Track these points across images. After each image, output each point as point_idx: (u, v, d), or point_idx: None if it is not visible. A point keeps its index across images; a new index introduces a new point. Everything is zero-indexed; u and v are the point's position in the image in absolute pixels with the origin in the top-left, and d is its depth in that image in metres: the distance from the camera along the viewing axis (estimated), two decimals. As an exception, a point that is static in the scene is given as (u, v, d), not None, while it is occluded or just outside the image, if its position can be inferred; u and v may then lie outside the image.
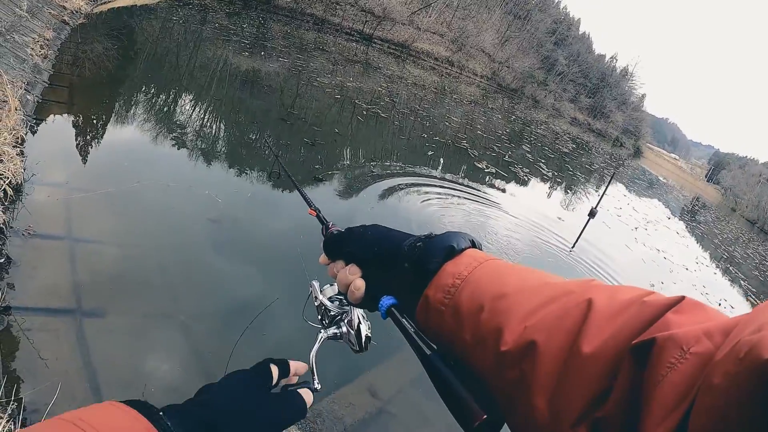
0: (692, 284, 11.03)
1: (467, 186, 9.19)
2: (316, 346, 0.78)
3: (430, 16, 28.60)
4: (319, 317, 0.82)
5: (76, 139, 4.78)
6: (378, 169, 7.72)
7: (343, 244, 0.73)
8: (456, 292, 0.56)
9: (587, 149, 24.08)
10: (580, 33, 46.76)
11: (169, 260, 3.72)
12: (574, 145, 22.62)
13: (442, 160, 10.07)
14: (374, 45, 21.59)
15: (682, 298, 0.44)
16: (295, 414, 0.66)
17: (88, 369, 2.65)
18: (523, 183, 11.89)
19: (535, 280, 0.54)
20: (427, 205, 7.20)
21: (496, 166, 11.46)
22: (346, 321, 0.78)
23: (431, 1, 28.74)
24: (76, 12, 9.11)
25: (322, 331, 0.79)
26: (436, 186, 8.29)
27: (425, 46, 26.03)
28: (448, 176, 9.11)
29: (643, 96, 57.52)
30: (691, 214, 25.24)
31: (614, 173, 15.66)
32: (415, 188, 7.99)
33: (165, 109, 6.64)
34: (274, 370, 0.70)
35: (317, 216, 0.98)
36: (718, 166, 60.78)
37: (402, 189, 7.27)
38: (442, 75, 21.59)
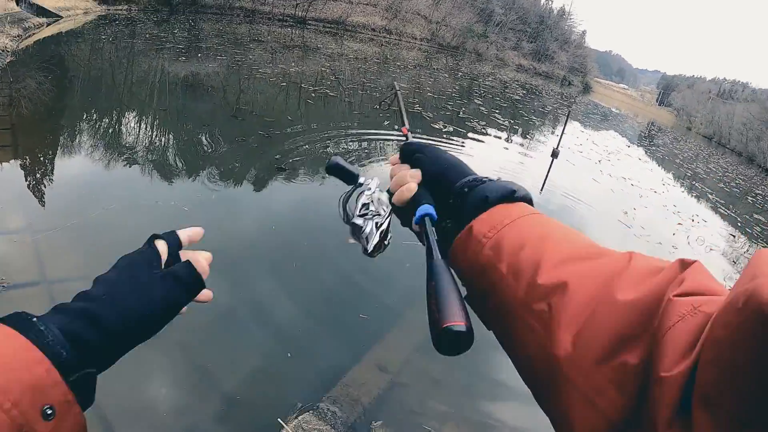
0: (663, 205, 11.40)
1: (432, 141, 9.26)
2: (340, 211, 0.81)
3: (359, -12, 28.31)
4: (351, 210, 0.82)
5: (26, 180, 4.67)
6: (337, 144, 7.82)
7: (418, 151, 0.75)
8: (502, 229, 0.58)
9: (538, 93, 24.37)
10: (511, -21, 46.98)
11: None
12: (524, 91, 22.88)
13: (397, 127, 10.09)
14: (309, 27, 21.34)
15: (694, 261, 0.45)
16: (182, 289, 0.63)
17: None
18: (482, 134, 12.01)
19: (579, 238, 0.56)
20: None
21: (452, 124, 11.57)
22: (374, 220, 0.78)
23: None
24: (2, 51, 8.83)
25: (354, 217, 0.80)
26: (401, 140, 8.38)
27: (360, 18, 25.78)
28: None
29: (584, 32, 58.05)
30: (649, 139, 25.86)
31: (569, 112, 15.91)
32: (380, 142, 8.11)
33: (111, 131, 6.53)
34: (161, 245, 0.68)
35: (406, 134, 0.99)
36: (667, 89, 61.91)
37: (368, 145, 7.38)
38: (382, 45, 21.47)
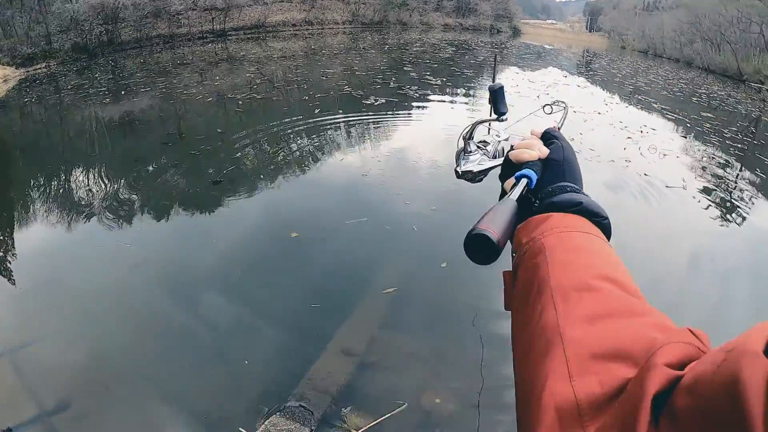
0: (609, 124, 11.80)
1: (367, 116, 9.52)
2: (467, 131, 0.89)
3: (272, -12, 28.12)
4: (476, 138, 0.90)
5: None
6: (275, 141, 7.97)
7: (558, 139, 0.82)
8: (576, 232, 0.63)
9: (468, 47, 24.57)
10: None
11: (119, 328, 3.83)
12: (453, 48, 23.06)
13: (332, 111, 10.26)
14: (230, 38, 21.23)
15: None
16: None
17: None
18: (419, 99, 12.17)
19: (627, 274, 0.59)
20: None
21: (385, 96, 11.72)
22: (482, 155, 0.86)
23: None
24: None
25: (470, 141, 0.88)
26: (340, 121, 8.62)
27: (279, 17, 25.67)
28: (342, 116, 9.44)
29: (500, -24, 58.32)
30: (586, 65, 26.25)
31: (496, 55, 16.19)
32: (327, 126, 8.33)
33: (61, 191, 6.59)
34: None
35: (562, 121, 1.07)
36: (594, 14, 62.17)
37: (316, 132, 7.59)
38: (306, 37, 21.44)
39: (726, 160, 10.28)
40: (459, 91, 13.98)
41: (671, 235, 6.12)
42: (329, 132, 9.11)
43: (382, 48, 20.07)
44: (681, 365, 0.38)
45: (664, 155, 9.71)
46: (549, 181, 0.75)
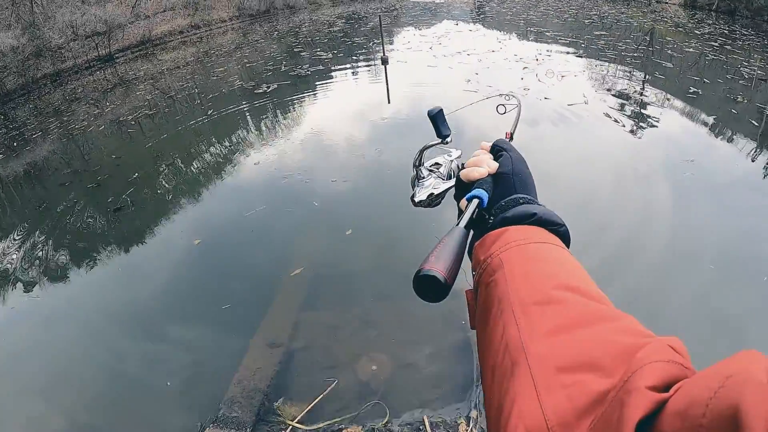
0: (503, 59, 12.17)
1: (260, 103, 9.59)
2: (416, 154, 0.92)
3: (150, 0, 27.26)
4: (427, 163, 0.92)
5: None
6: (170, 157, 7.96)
7: (506, 150, 0.83)
8: (534, 243, 0.64)
9: (358, 17, 24.54)
10: None
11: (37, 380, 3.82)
12: (343, 21, 23.05)
13: (224, 108, 10.25)
14: (118, 60, 20.58)
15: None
16: None
17: None
18: (312, 76, 12.33)
19: (590, 282, 0.59)
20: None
21: (276, 81, 11.76)
22: (436, 179, 0.87)
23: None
24: None
25: (422, 167, 0.89)
26: (232, 115, 8.79)
27: (164, 27, 24.96)
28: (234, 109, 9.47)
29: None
30: (477, 11, 26.48)
31: (380, 17, 16.31)
32: (219, 125, 8.40)
33: None
34: None
35: (507, 137, 1.07)
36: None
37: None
38: (196, 42, 20.98)
39: (626, 71, 10.81)
40: (351, 59, 14.22)
41: (590, 154, 6.46)
42: (221, 130, 9.19)
43: (271, 36, 19.92)
44: (665, 387, 0.37)
45: (562, 77, 10.12)
46: (501, 196, 0.75)
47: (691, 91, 9.01)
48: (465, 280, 0.70)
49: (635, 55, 12.06)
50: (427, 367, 3.31)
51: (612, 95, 8.88)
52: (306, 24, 23.31)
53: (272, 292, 4.24)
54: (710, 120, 7.56)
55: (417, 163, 0.89)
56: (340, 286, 4.29)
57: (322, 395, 3.14)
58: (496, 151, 0.84)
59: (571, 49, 13.16)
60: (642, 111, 8.05)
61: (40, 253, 5.80)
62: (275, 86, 11.36)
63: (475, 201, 0.75)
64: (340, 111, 9.33)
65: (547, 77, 10.01)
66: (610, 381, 0.41)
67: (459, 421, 2.85)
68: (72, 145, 10.24)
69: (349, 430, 2.93)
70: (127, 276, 5.02)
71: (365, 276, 4.40)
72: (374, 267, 4.52)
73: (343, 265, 4.59)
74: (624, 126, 7.35)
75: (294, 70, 12.79)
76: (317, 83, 11.73)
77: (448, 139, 0.94)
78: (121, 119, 10.96)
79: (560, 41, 14.44)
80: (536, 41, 14.84)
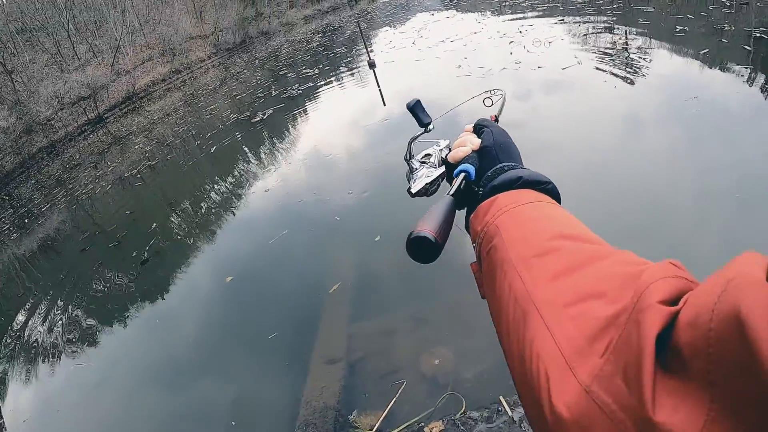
0: (487, 38, 12.12)
1: (260, 131, 9.60)
2: (407, 148, 0.92)
3: (128, 55, 27.52)
4: (417, 156, 0.91)
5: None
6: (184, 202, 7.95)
7: (486, 126, 0.85)
8: (524, 204, 0.65)
9: (333, 28, 24.65)
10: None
11: None
12: (320, 35, 23.12)
13: (226, 142, 10.26)
14: (108, 120, 20.73)
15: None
16: None
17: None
18: (304, 95, 12.30)
19: (584, 228, 0.60)
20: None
21: (270, 106, 11.80)
22: (428, 169, 0.87)
23: (116, 43, 27.58)
24: None
25: (413, 160, 0.90)
26: (236, 148, 8.64)
27: (146, 79, 25.17)
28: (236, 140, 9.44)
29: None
30: (450, -1, 26.57)
31: (358, 23, 16.35)
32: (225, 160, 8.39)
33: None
34: None
35: (496, 118, 1.06)
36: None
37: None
38: (180, 87, 21.12)
39: (609, 24, 10.71)
40: (337, 70, 14.20)
41: (595, 113, 6.38)
42: (225, 165, 9.19)
43: (253, 65, 20.02)
44: (674, 301, 0.38)
45: (550, 43, 10.04)
46: (486, 168, 0.78)
47: (677, 30, 8.88)
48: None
49: (615, 6, 11.94)
50: (489, 349, 3.25)
51: (602, 51, 8.79)
52: (284, 46, 23.38)
53: (315, 312, 4.17)
54: (703, 54, 7.47)
55: (407, 157, 0.91)
56: (382, 292, 4.25)
57: (394, 399, 3.09)
58: (479, 129, 0.87)
59: (551, 15, 13.10)
60: (635, 59, 7.97)
61: (78, 321, 5.75)
62: (270, 111, 11.35)
63: (462, 174, 0.78)
64: (339, 123, 9.29)
65: (535, 47, 9.95)
66: (616, 306, 0.42)
67: None
68: (81, 211, 10.24)
69: (429, 427, 2.87)
70: (166, 327, 5.00)
71: (405, 277, 4.32)
72: (411, 266, 4.41)
73: (380, 270, 4.52)
74: (623, 78, 7.26)
75: (285, 93, 12.77)
76: (310, 100, 11.70)
77: (431, 127, 0.97)
78: (124, 176, 10.96)
79: (538, 9, 14.34)
80: (514, 14, 14.75)
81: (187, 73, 25.30)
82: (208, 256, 6.00)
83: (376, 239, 4.90)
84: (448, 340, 3.44)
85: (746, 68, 6.53)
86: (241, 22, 31.31)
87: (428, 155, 0.90)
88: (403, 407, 3.04)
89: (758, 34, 7.61)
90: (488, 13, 16.46)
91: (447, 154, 0.87)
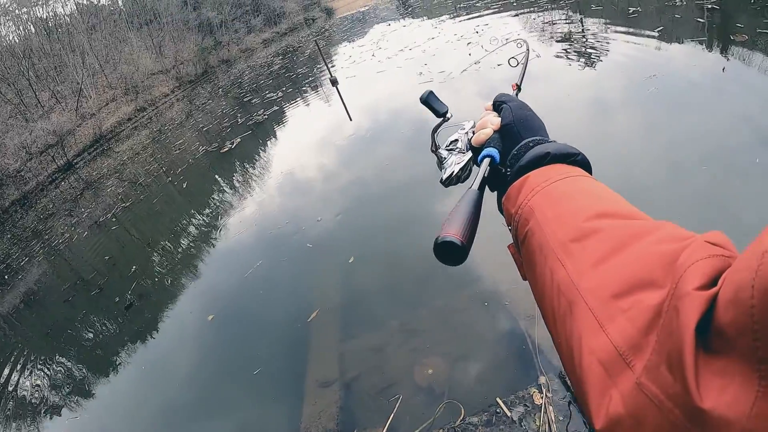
0: (445, 42, 12.30)
1: (230, 162, 9.59)
2: (431, 139, 0.91)
3: (91, 98, 27.32)
4: (443, 145, 0.89)
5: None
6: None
7: (505, 102, 0.82)
8: (556, 181, 0.63)
9: (293, 49, 24.74)
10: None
11: None
12: (280, 58, 23.19)
13: (198, 177, 10.25)
14: (78, 165, 20.53)
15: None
16: None
17: None
18: (271, 119, 12.40)
19: (621, 200, 0.59)
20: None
21: (238, 134, 11.81)
22: (457, 155, 0.85)
23: (79, 87, 27.37)
24: None
25: (441, 149, 0.88)
26: (208, 182, 8.61)
27: (112, 120, 25.00)
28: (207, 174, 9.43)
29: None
30: (403, 6, 26.76)
31: (315, 41, 16.45)
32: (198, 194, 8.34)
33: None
34: None
35: (514, 89, 1.07)
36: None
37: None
38: (147, 124, 21.01)
39: (563, 12, 10.87)
40: (301, 91, 14.35)
41: (556, 103, 6.48)
42: (200, 199, 9.19)
43: (217, 95, 20.03)
44: (713, 282, 0.37)
45: (506, 40, 10.21)
46: (511, 147, 0.76)
47: (630, 11, 9.13)
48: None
49: (568, -2, 12.21)
50: (481, 353, 3.32)
51: (558, 41, 8.97)
52: (246, 72, 23.51)
53: (301, 339, 4.17)
54: (658, 32, 7.66)
55: (434, 148, 0.90)
56: (366, 309, 4.26)
57: (392, 414, 3.10)
58: (498, 106, 0.84)
59: (505, 11, 13.30)
60: (593, 44, 8.15)
61: (68, 375, 5.71)
62: (238, 140, 11.39)
63: (486, 160, 0.76)
64: (307, 144, 9.37)
65: (492, 44, 10.09)
66: (662, 292, 0.41)
67: (531, 392, 2.85)
68: (61, 261, 10.16)
69: (431, 437, 2.86)
70: (156, 371, 4.96)
71: (386, 291, 4.37)
72: (390, 280, 4.50)
73: (360, 290, 4.56)
74: (583, 63, 7.44)
75: (251, 119, 12.83)
76: (277, 124, 11.80)
77: (449, 115, 0.95)
78: (100, 221, 10.90)
79: (492, 7, 14.60)
80: (469, 15, 15.02)
81: (153, 110, 25.16)
82: (190, 295, 6.01)
83: (350, 261, 4.94)
84: (438, 349, 3.48)
85: (701, 41, 6.73)
86: (201, 53, 31.31)
87: (455, 141, 0.88)
88: (402, 421, 3.06)
89: (710, 6, 7.82)
90: (444, 17, 16.69)
91: (472, 137, 0.85)
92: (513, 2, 14.05)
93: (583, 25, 9.40)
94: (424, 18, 18.61)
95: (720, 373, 0.33)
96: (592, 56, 7.63)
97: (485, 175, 0.75)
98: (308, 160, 8.44)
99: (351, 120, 9.38)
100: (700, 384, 0.33)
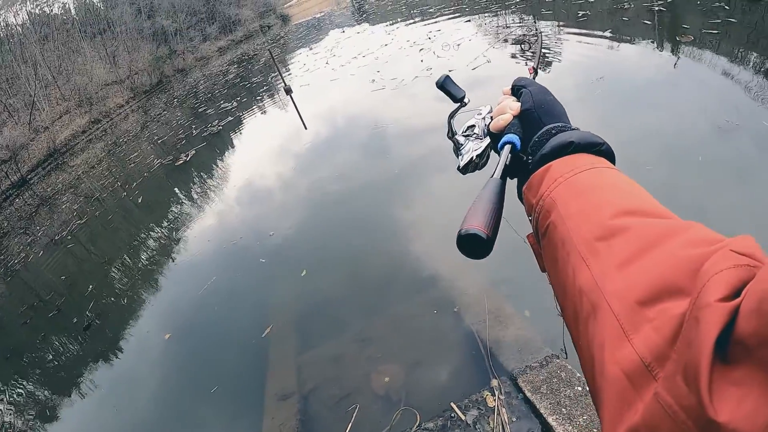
0: (398, 49, 12.39)
1: (186, 175, 9.54)
2: (448, 127, 0.89)
3: (44, 111, 26.72)
4: (460, 131, 0.86)
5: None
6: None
7: (525, 86, 0.80)
8: (581, 172, 0.61)
9: (248, 57, 24.67)
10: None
11: None
12: (236, 66, 23.12)
13: (153, 190, 10.18)
14: (32, 180, 20.04)
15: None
16: None
17: None
18: (227, 129, 12.49)
19: (648, 196, 0.57)
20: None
21: (192, 146, 11.83)
22: (474, 141, 0.82)
23: (31, 99, 26.73)
24: None
25: (458, 134, 0.85)
26: (162, 195, 8.65)
27: (66, 133, 24.48)
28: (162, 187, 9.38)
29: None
30: (359, 12, 26.88)
31: (269, 51, 16.49)
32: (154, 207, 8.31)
33: None
34: None
35: (531, 72, 1.04)
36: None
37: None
38: (101, 137, 20.65)
39: (514, 17, 11.13)
40: (255, 100, 14.50)
41: None
42: (156, 213, 9.21)
43: (172, 105, 19.87)
44: (736, 293, 0.36)
45: (458, 45, 10.37)
46: (531, 133, 0.73)
47: (580, 15, 9.43)
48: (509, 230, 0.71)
49: (520, 3, 12.51)
50: (435, 359, 3.39)
51: (510, 45, 9.22)
52: (201, 81, 23.41)
53: (257, 354, 4.22)
54: (607, 34, 7.95)
55: (450, 135, 0.87)
56: (321, 321, 4.32)
57: (350, 423, 3.16)
58: (517, 90, 0.82)
59: (457, 17, 13.55)
60: (544, 48, 8.39)
61: (30, 399, 5.66)
62: (193, 152, 11.43)
63: (507, 147, 0.74)
64: (262, 154, 9.49)
65: (444, 50, 10.31)
66: (686, 301, 0.40)
67: (485, 395, 2.93)
68: (17, 281, 10.00)
69: (388, 444, 2.90)
70: (117, 393, 4.92)
71: (340, 301, 4.44)
72: (345, 290, 4.57)
73: (313, 302, 4.61)
74: (535, 67, 7.67)
75: (206, 131, 12.87)
76: (232, 134, 11.85)
77: (466, 100, 0.92)
78: (56, 238, 10.77)
79: (445, 13, 14.88)
80: (423, 20, 15.28)
81: (107, 122, 24.75)
82: (147, 313, 5.99)
83: (303, 274, 5.05)
84: (394, 356, 3.55)
85: (649, 42, 7.03)
86: (156, 62, 30.92)
87: (471, 127, 0.85)
88: (361, 429, 3.12)
89: (657, 8, 8.16)
90: (398, 23, 16.91)
91: (490, 123, 0.82)
92: (465, 7, 14.32)
93: (536, 29, 9.66)
94: (379, 23, 18.78)
95: (738, 383, 0.32)
96: (547, 57, 7.87)
97: (507, 162, 0.72)
98: (263, 170, 8.56)
99: (306, 129, 9.50)
100: (715, 397, 0.33)
